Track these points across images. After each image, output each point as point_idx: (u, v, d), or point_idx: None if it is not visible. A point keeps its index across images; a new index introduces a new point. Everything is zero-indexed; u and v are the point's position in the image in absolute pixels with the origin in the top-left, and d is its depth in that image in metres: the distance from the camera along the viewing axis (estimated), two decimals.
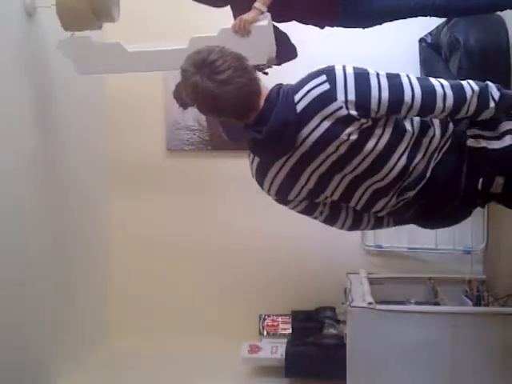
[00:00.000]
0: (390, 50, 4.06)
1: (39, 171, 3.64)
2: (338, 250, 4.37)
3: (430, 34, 4.00)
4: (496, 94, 2.16)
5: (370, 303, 3.31)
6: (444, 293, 3.85)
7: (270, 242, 4.53)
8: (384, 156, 2.13)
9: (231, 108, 2.10)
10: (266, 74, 3.39)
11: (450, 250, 4.35)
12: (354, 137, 2.07)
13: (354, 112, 2.05)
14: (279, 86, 2.18)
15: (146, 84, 4.45)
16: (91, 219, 4.41)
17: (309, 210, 2.37)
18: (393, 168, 2.15)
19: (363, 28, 3.47)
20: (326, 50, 3.83)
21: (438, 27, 3.91)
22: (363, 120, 2.07)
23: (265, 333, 4.33)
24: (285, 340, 4.04)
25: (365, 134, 2.09)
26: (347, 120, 2.06)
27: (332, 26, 3.46)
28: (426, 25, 3.88)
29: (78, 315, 4.14)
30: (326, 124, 2.06)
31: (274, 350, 3.96)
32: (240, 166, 4.47)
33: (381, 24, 3.43)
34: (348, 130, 2.06)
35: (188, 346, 4.29)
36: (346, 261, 4.33)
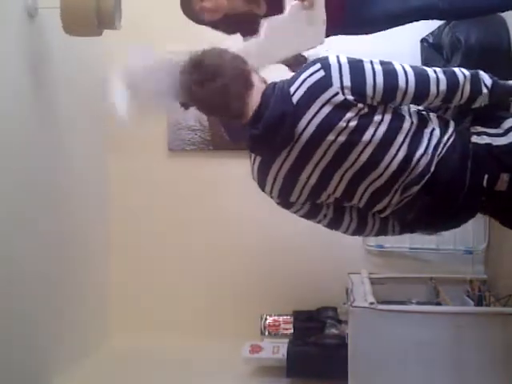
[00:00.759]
0: (392, 49, 4.04)
1: (39, 170, 3.64)
2: (339, 250, 4.37)
3: (431, 34, 4.00)
4: (488, 80, 2.20)
5: (371, 303, 3.31)
6: (445, 293, 3.84)
7: (272, 241, 4.54)
8: (383, 146, 2.14)
9: (222, 111, 2.20)
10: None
11: (451, 250, 4.35)
12: (352, 123, 2.09)
13: (350, 97, 2.08)
14: (274, 82, 2.20)
15: None
16: (91, 218, 4.42)
17: (312, 214, 2.36)
18: (393, 159, 2.15)
19: (366, 34, 3.46)
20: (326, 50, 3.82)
21: (439, 27, 3.91)
22: (360, 105, 2.09)
23: (266, 333, 4.32)
24: (286, 340, 4.04)
25: (363, 122, 2.11)
26: (345, 106, 2.08)
27: (336, 34, 3.43)
28: (427, 25, 3.87)
29: (78, 315, 4.13)
30: (325, 111, 2.08)
31: (276, 350, 3.95)
32: (241, 165, 4.46)
33: (384, 30, 3.42)
34: (347, 117, 2.08)
35: (189, 346, 4.30)
36: (348, 261, 4.34)
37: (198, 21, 3.17)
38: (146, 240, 4.71)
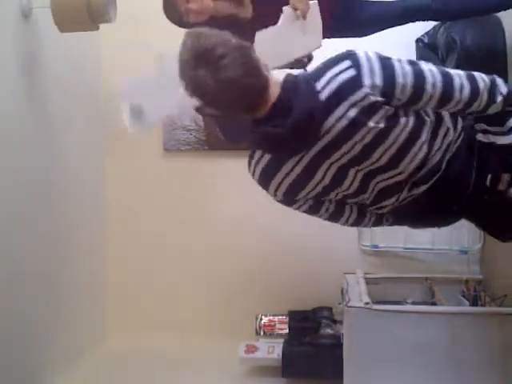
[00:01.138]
0: (387, 49, 3.99)
1: (34, 171, 3.64)
2: (334, 250, 4.37)
3: (426, 34, 4.00)
4: (504, 88, 2.14)
5: (366, 303, 3.31)
6: (441, 293, 3.85)
7: (267, 242, 4.53)
8: (406, 146, 2.06)
9: (235, 106, 2.01)
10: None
11: (446, 250, 4.35)
12: (381, 124, 1.99)
13: (379, 99, 1.97)
14: (294, 75, 2.07)
15: None
16: (88, 218, 4.41)
17: (314, 209, 2.29)
18: (414, 158, 2.08)
19: (359, 37, 3.45)
20: (321, 49, 3.82)
21: (434, 27, 3.91)
22: (387, 107, 1.99)
23: (261, 333, 4.32)
24: (281, 340, 4.03)
25: (391, 123, 2.01)
26: (374, 107, 1.97)
27: (327, 37, 3.41)
28: (422, 25, 3.87)
29: (75, 315, 4.13)
30: (353, 112, 1.96)
31: (271, 350, 3.95)
32: (237, 165, 4.45)
33: (378, 31, 3.42)
34: (375, 118, 1.98)
35: (185, 346, 4.31)
36: (343, 261, 4.33)
37: (182, 23, 3.13)
38: (142, 240, 4.71)
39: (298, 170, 2.08)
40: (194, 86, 1.94)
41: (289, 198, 2.21)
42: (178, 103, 2.88)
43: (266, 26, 3.02)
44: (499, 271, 3.99)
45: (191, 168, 4.64)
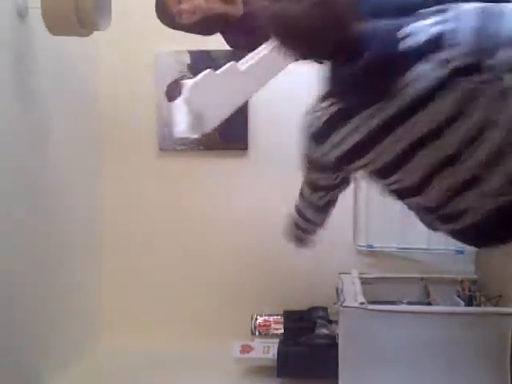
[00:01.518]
0: None
1: (28, 170, 3.62)
2: (329, 250, 4.35)
3: None
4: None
5: (361, 303, 3.31)
6: (436, 293, 3.85)
7: (262, 242, 4.52)
8: (491, 125, 1.68)
9: (322, 35, 1.71)
10: None
11: (442, 250, 4.33)
12: (472, 93, 1.64)
13: (472, 64, 1.60)
14: (374, 22, 1.77)
15: (138, 83, 4.45)
16: (81, 219, 4.39)
17: (331, 187, 2.08)
18: (492, 142, 1.70)
19: None
20: None
21: None
22: (479, 77, 1.61)
23: (257, 333, 4.31)
24: (277, 340, 4.03)
25: (479, 89, 1.63)
26: (463, 70, 1.61)
27: None
28: None
29: (69, 315, 4.11)
30: (440, 72, 1.63)
31: (266, 350, 3.95)
32: (232, 165, 4.47)
33: None
34: (464, 83, 1.62)
35: (179, 346, 4.31)
36: (338, 261, 4.33)
37: (174, 25, 3.11)
38: (137, 240, 4.70)
39: (363, 130, 1.77)
40: (275, 14, 1.72)
41: (340, 163, 1.92)
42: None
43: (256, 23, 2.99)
44: (494, 271, 3.99)
45: (187, 168, 4.63)
